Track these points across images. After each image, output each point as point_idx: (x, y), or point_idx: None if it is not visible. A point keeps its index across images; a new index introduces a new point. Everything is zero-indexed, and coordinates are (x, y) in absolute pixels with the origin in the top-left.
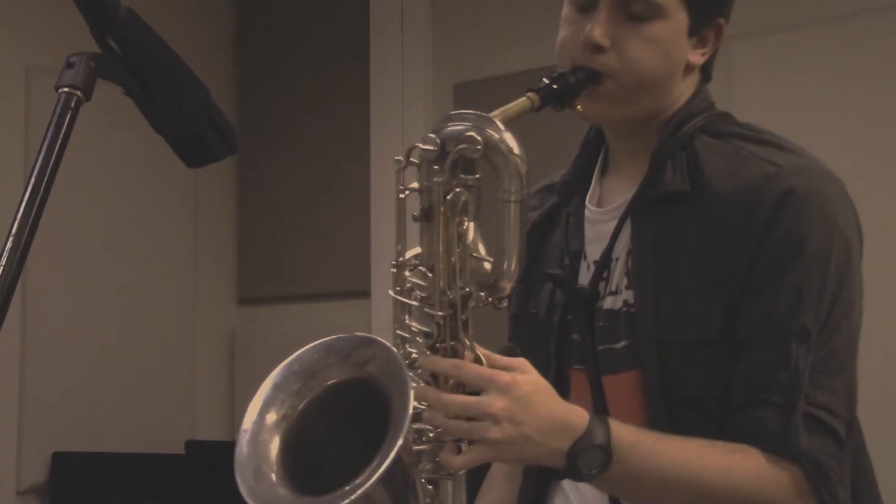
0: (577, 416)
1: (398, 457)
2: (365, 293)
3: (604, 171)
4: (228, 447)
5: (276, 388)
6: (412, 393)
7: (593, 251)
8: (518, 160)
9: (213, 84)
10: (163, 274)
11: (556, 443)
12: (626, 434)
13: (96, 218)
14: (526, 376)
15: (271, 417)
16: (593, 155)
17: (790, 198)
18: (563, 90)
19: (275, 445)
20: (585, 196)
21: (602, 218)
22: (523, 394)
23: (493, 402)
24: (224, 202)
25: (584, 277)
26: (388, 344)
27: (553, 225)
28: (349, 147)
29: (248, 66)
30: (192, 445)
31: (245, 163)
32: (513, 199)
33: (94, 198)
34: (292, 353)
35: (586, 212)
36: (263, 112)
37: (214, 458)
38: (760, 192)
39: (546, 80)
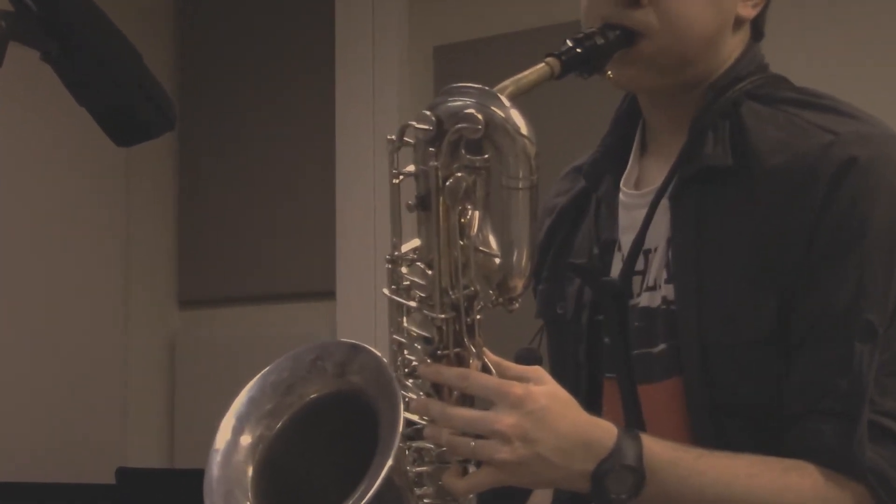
0: (603, 431)
1: (389, 480)
2: (329, 294)
3: (643, 151)
4: (166, 476)
5: (252, 402)
6: (402, 406)
7: (628, 241)
8: (526, 141)
9: (147, 48)
10: (88, 272)
11: (578, 463)
12: (661, 451)
13: (7, 207)
14: (542, 387)
15: (246, 438)
16: (628, 130)
17: (851, 170)
18: (590, 54)
19: (249, 468)
20: (618, 177)
21: (639, 202)
22: (538, 408)
23: (503, 419)
24: (161, 188)
25: (619, 271)
26: (376, 351)
27: (583, 212)
28: (310, 123)
29: (191, 29)
30: (123, 474)
31: (186, 142)
32: (521, 185)
33: (4, 182)
34: (244, 364)
35: (621, 195)
36: (208, 82)
37: (150, 488)
38: (816, 165)
39: (570, 43)
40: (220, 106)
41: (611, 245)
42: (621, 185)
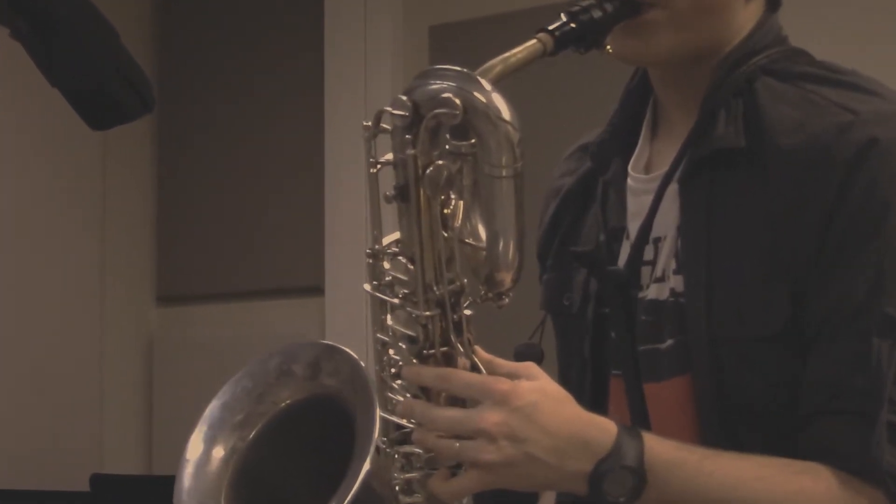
0: (601, 429)
1: (367, 487)
2: (317, 289)
3: (654, 131)
4: (143, 483)
5: (225, 408)
6: (378, 408)
7: (635, 228)
8: (508, 127)
9: (123, 26)
10: (60, 266)
11: (573, 463)
12: (663, 451)
13: None
14: (532, 382)
15: (218, 450)
16: (638, 108)
17: (871, 152)
18: (585, 28)
19: (223, 479)
20: (627, 159)
21: (647, 187)
22: (525, 404)
23: (486, 416)
24: (139, 176)
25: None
26: (351, 352)
27: (591, 195)
28: (298, 108)
29: (171, 7)
30: (98, 480)
31: (165, 128)
32: (504, 174)
33: None
34: (226, 366)
35: (629, 180)
36: (189, 64)
37: (126, 496)
38: (833, 146)
39: (564, 17)
40: (202, 90)
41: (619, 233)
42: (629, 168)
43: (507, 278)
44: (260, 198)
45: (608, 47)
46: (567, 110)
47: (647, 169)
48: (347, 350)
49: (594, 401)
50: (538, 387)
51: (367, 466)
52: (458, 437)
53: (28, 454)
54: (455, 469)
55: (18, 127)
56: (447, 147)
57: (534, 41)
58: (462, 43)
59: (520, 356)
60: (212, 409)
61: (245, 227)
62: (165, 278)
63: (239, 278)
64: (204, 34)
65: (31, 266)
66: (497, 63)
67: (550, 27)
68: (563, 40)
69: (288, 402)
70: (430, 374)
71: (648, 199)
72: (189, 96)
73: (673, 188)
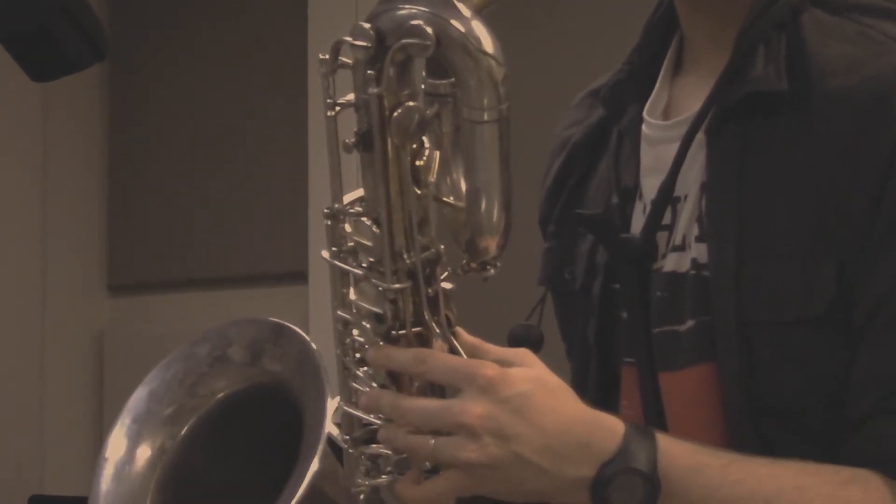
0: (606, 429)
1: (317, 492)
2: (300, 276)
3: (677, 69)
4: None
5: (152, 398)
6: (330, 400)
7: (650, 185)
8: (491, 62)
9: None
10: None
11: (572, 468)
12: (680, 454)
13: None
14: (524, 370)
15: (144, 449)
16: (661, 46)
17: None
18: None
19: (149, 483)
20: (646, 105)
21: (666, 135)
22: (516, 394)
23: (469, 407)
24: (86, 140)
25: (640, 226)
26: (300, 331)
27: (602, 149)
28: (277, 62)
29: None
30: (38, 503)
31: (118, 80)
32: (486, 118)
33: None
34: None
35: (644, 127)
36: (146, 6)
37: None
38: (891, 92)
39: None
40: (162, 36)
41: (632, 192)
42: (645, 113)
43: (491, 244)
44: (232, 168)
45: None
46: (572, 51)
47: (666, 114)
48: (295, 328)
49: (601, 393)
50: (532, 375)
51: (314, 467)
52: (434, 432)
53: None
54: (429, 473)
55: None
56: (423, 87)
57: None
58: None
59: (515, 339)
60: (137, 398)
61: (214, 203)
62: (118, 264)
63: (205, 263)
64: None
65: None
66: None
67: None
68: None
69: (225, 393)
70: (402, 355)
71: (666, 151)
72: (147, 42)
73: (699, 139)
